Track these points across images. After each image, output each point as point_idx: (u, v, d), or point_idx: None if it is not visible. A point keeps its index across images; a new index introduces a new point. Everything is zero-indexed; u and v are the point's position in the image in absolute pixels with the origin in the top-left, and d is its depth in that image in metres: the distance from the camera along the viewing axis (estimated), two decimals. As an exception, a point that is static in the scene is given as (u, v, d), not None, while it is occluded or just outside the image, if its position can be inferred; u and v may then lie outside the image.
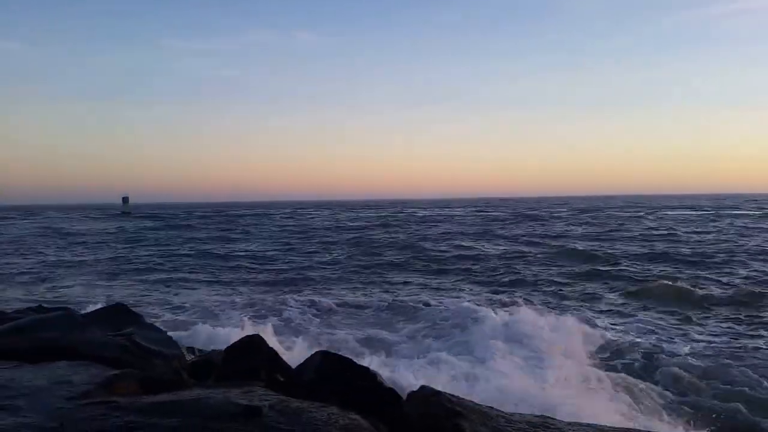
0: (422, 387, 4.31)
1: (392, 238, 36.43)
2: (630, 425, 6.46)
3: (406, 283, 18.93)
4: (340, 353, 4.49)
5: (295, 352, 8.91)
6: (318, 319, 13.30)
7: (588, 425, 5.07)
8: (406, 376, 8.10)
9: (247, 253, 29.34)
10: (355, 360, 4.30)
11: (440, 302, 14.76)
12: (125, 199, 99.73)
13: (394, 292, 17.18)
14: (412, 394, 4.24)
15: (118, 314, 6.50)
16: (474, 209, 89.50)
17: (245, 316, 13.31)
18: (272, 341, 6.63)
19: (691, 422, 6.98)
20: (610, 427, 5.26)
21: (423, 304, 14.52)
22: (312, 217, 72.11)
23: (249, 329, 10.23)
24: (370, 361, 8.64)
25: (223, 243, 35.75)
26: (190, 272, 22.39)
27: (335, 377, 4.00)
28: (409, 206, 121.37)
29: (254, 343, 4.37)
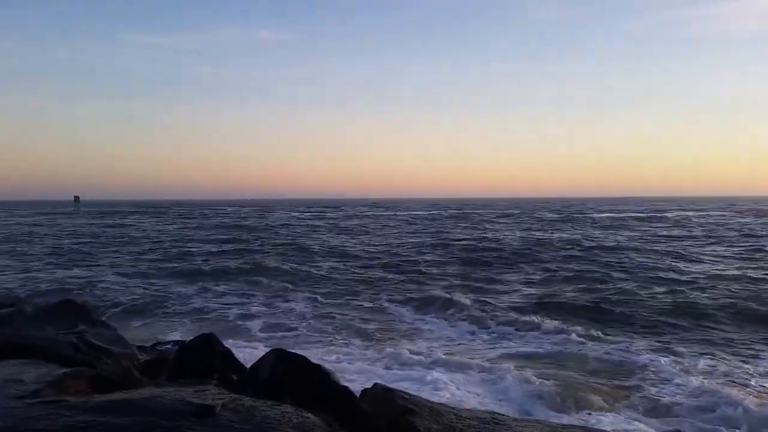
0: (375, 384, 4.40)
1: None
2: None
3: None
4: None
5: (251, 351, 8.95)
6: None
7: (536, 421, 5.25)
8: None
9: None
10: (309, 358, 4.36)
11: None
12: (76, 198, 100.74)
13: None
14: (365, 391, 4.32)
15: (70, 310, 6.40)
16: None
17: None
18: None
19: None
20: (558, 424, 5.48)
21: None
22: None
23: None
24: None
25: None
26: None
27: (289, 376, 4.05)
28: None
29: (208, 342, 4.38)
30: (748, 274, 18.48)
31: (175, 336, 10.77)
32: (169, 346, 7.68)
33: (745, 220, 53.34)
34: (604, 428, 6.52)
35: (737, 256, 24.09)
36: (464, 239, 33.44)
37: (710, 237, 33.89)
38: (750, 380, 8.42)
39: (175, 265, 22.68)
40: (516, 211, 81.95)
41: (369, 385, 4.38)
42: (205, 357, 4.26)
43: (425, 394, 7.01)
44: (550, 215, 67.89)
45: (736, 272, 19.18)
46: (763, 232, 36.38)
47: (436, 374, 8.76)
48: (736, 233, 36.27)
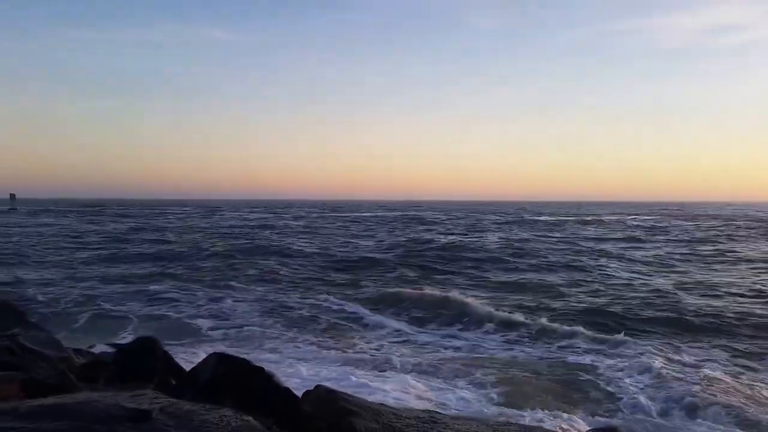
0: (317, 386, 4.45)
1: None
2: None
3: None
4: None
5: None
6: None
7: (471, 419, 5.41)
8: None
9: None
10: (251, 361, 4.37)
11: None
12: (12, 196, 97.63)
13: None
14: (307, 393, 4.36)
15: (2, 312, 6.18)
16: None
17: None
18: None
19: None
20: (495, 422, 5.65)
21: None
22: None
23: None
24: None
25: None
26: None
27: (230, 379, 4.06)
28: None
29: (148, 345, 4.33)
30: (675, 275, 19.39)
31: (116, 339, 10.51)
32: (107, 349, 7.49)
33: (674, 223, 55.80)
34: (546, 427, 6.73)
35: (668, 255, 25.22)
36: (410, 240, 33.77)
37: (644, 239, 35.31)
38: (686, 376, 8.80)
39: (113, 266, 22.06)
40: (460, 214, 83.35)
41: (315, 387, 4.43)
42: (145, 360, 4.21)
43: (371, 394, 7.11)
44: (494, 217, 69.38)
45: (664, 272, 20.08)
46: (689, 236, 38.10)
47: (385, 374, 8.87)
48: (666, 235, 37.92)
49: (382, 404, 4.75)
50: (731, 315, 12.93)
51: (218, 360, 4.06)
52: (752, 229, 44.65)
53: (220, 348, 8.84)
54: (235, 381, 4.07)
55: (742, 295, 15.43)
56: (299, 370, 8.81)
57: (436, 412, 5.35)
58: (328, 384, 5.18)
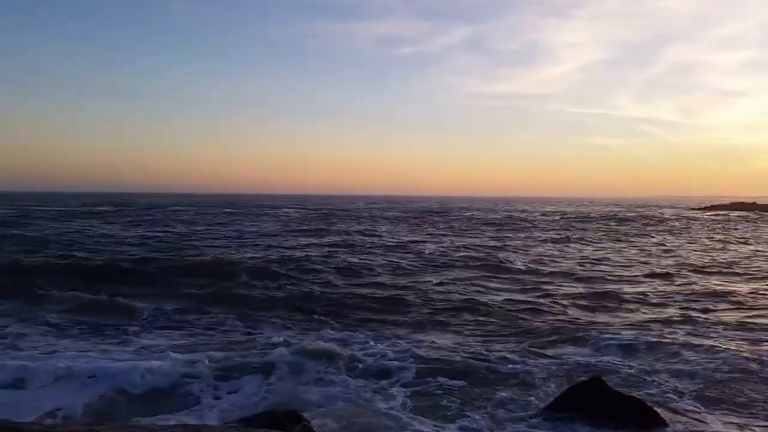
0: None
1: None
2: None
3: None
4: None
5: None
6: None
7: (134, 426, 5.84)
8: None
9: None
10: None
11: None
12: None
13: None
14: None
15: None
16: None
17: None
18: None
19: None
20: (159, 425, 6.11)
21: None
22: None
23: None
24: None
25: None
26: None
27: None
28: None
29: None
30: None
31: None
32: None
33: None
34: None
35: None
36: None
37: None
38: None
39: None
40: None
41: None
42: None
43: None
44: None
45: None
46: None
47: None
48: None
49: (33, 423, 5.00)
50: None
51: None
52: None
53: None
54: None
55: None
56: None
57: (99, 423, 5.71)
58: None
